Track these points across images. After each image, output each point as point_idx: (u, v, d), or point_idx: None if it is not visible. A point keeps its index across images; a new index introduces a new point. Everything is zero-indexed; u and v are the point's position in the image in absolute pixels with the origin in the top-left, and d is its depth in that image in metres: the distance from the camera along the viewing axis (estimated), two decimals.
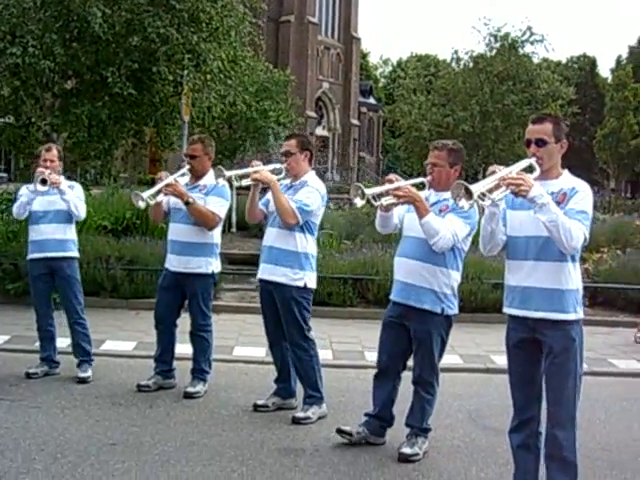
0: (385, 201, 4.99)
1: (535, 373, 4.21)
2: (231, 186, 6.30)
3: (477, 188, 3.92)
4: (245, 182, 5.92)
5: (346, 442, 5.41)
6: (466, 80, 31.22)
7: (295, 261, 5.89)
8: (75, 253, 7.08)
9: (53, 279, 7.04)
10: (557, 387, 4.09)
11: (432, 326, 5.19)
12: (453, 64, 33.57)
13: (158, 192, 6.33)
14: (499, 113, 29.73)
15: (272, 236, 5.98)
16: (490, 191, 4.00)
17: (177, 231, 6.55)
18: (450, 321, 5.29)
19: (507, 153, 28.93)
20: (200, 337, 6.65)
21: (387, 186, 5.02)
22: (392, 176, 5.15)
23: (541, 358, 4.15)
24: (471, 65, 31.91)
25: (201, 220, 6.39)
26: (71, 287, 7.04)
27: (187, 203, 6.31)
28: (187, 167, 6.56)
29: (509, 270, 4.28)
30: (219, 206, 6.46)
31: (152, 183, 6.69)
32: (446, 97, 32.26)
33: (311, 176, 6.09)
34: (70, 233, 7.03)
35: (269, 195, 6.03)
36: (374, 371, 5.58)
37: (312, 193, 5.90)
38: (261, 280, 6.10)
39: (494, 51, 31.03)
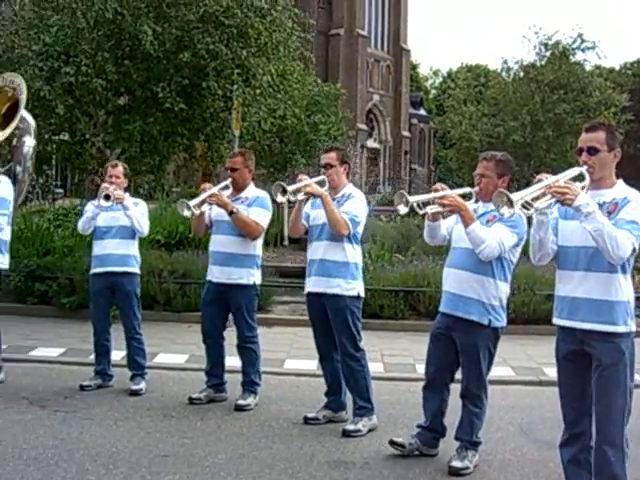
0: (430, 209, 5.00)
1: (585, 386, 4.14)
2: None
3: (520, 196, 3.91)
4: (300, 196, 5.94)
5: (397, 454, 5.39)
6: (516, 90, 30.91)
7: (347, 271, 5.94)
8: (136, 269, 7.18)
9: (113, 294, 7.15)
10: (606, 401, 4.01)
11: (479, 338, 5.15)
12: (503, 74, 33.28)
13: (202, 202, 6.41)
14: (550, 122, 29.35)
15: (321, 249, 6.00)
16: (534, 200, 3.97)
17: (220, 242, 6.62)
18: (497, 333, 5.24)
19: (559, 162, 28.47)
20: (247, 349, 6.69)
21: (432, 194, 5.03)
22: (438, 185, 5.16)
23: (591, 371, 4.08)
24: (521, 74, 31.59)
25: (245, 230, 6.47)
26: (130, 303, 7.14)
27: (231, 213, 6.39)
28: (229, 180, 6.64)
29: (559, 280, 4.23)
30: (262, 216, 6.55)
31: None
32: (496, 107, 31.97)
33: (352, 188, 6.16)
34: (132, 249, 7.14)
35: (308, 209, 6.10)
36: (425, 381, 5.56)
37: (359, 204, 5.99)
38: (311, 293, 6.12)
39: (544, 60, 30.68)
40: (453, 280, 5.24)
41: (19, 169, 7.42)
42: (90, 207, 7.21)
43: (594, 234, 3.85)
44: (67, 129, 14.19)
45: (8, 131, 7.09)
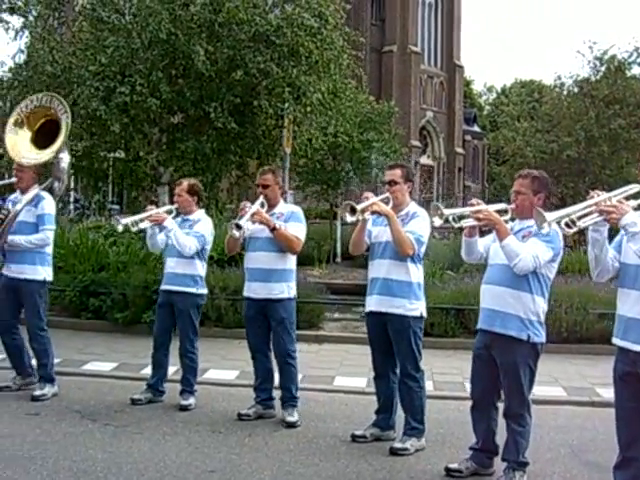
0: (465, 223, 5.00)
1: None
2: (335, 217, 6.41)
3: (565, 213, 3.89)
4: (367, 215, 5.86)
5: (443, 474, 5.36)
6: (570, 105, 30.56)
7: (410, 291, 5.91)
8: (192, 289, 7.15)
9: (173, 310, 7.23)
10: None
11: (518, 354, 5.11)
12: (557, 89, 32.95)
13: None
14: (605, 138, 28.93)
15: (384, 268, 5.97)
16: (580, 218, 3.94)
17: (258, 259, 6.65)
18: (537, 350, 5.18)
19: (615, 179, 28.08)
20: (288, 365, 6.69)
21: (468, 208, 5.03)
22: (474, 200, 5.18)
23: None
24: (575, 90, 31.24)
25: (286, 244, 6.54)
26: (184, 321, 7.19)
27: (274, 229, 6.45)
28: (262, 197, 6.68)
29: (619, 298, 4.17)
30: (300, 230, 6.64)
31: None
32: (550, 123, 31.63)
33: (416, 207, 6.10)
34: (192, 268, 7.15)
35: (370, 226, 6.07)
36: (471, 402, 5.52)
37: (423, 223, 5.91)
38: (372, 313, 6.09)
39: (599, 74, 30.30)
40: (490, 296, 5.22)
41: (57, 184, 7.60)
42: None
43: (639, 254, 3.79)
44: (122, 147, 14.47)
45: (55, 148, 7.27)
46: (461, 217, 5.06)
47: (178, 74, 13.33)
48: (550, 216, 3.98)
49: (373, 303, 6.05)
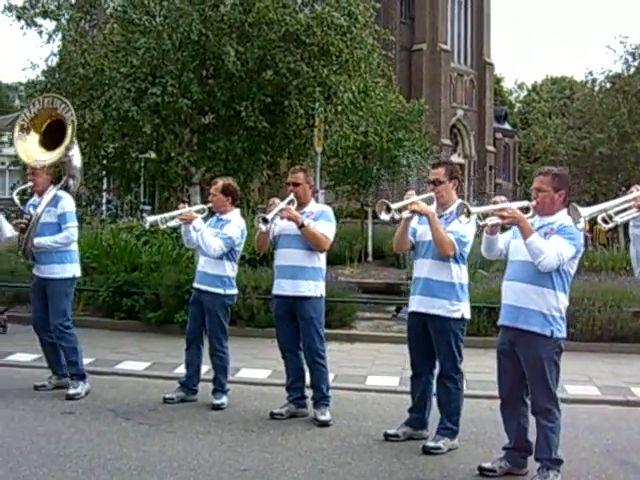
0: (490, 221, 4.99)
1: None
2: (366, 216, 6.42)
3: (601, 208, 3.85)
4: (405, 214, 5.82)
5: (476, 474, 5.34)
6: (602, 101, 30.27)
7: (452, 292, 5.87)
8: (219, 290, 7.17)
9: (203, 310, 7.28)
10: None
11: (542, 350, 5.09)
12: (588, 85, 32.67)
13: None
14: (638, 134, 28.64)
15: (426, 267, 5.95)
16: (617, 213, 3.90)
17: (287, 256, 6.66)
18: (560, 345, 5.17)
19: None
20: (318, 365, 6.69)
21: (492, 206, 5.02)
22: (498, 198, 5.18)
23: None
24: (607, 85, 30.94)
25: (314, 242, 6.53)
26: (212, 321, 7.21)
27: (302, 226, 6.46)
28: (292, 195, 6.69)
29: None
30: (329, 229, 6.63)
31: None
32: (582, 119, 31.35)
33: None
34: (220, 269, 7.17)
35: (415, 224, 6.02)
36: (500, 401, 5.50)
37: (467, 224, 5.69)
38: (414, 312, 6.06)
39: (632, 70, 29.97)
40: (513, 292, 5.21)
41: (72, 182, 7.71)
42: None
43: None
44: (153, 148, 14.54)
45: (63, 148, 7.36)
46: (485, 215, 5.05)
47: (209, 74, 13.37)
48: (585, 211, 3.95)
49: (415, 303, 6.03)
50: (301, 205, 6.71)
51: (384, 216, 5.79)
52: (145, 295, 11.28)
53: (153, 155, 15.12)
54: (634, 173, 28.96)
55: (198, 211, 7.41)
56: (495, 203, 5.08)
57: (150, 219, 7.52)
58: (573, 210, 4.03)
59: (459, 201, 5.91)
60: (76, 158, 7.75)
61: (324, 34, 12.87)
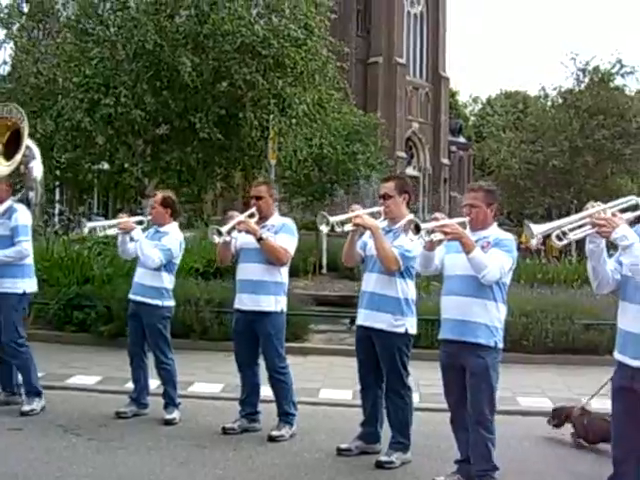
0: (435, 237, 5.03)
1: (635, 425, 4.01)
2: (313, 229, 6.40)
3: (555, 225, 3.87)
4: (347, 227, 5.85)
5: None
6: (555, 116, 30.75)
7: (396, 307, 5.85)
8: (157, 301, 7.09)
9: (142, 321, 7.18)
10: None
11: (489, 360, 5.15)
12: (541, 100, 33.19)
13: (232, 229, 6.43)
14: (590, 148, 29.13)
15: (372, 281, 5.95)
16: (572, 230, 3.92)
17: (246, 270, 6.60)
18: (500, 355, 5.25)
19: (600, 189, 28.25)
20: (278, 381, 6.63)
21: (434, 223, 5.04)
22: (438, 214, 5.22)
23: None
24: (560, 101, 31.44)
25: (273, 256, 6.45)
26: (153, 333, 7.11)
27: (260, 239, 6.38)
28: (254, 208, 6.63)
29: (619, 311, 4.13)
30: (289, 242, 6.55)
31: None
32: (535, 134, 31.81)
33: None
34: (157, 281, 7.09)
35: (366, 238, 6.01)
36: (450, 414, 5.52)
37: (412, 239, 5.74)
38: (360, 326, 6.06)
39: (583, 85, 30.52)
40: (456, 306, 5.23)
41: (31, 194, 7.54)
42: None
43: (631, 268, 3.77)
44: (106, 159, 14.42)
45: (18, 158, 7.20)
46: (430, 231, 5.07)
47: (163, 85, 13.30)
48: (538, 229, 3.97)
49: (361, 317, 6.03)
50: (263, 218, 6.63)
51: (324, 229, 5.83)
52: (97, 308, 11.11)
53: (106, 166, 14.99)
54: (585, 187, 29.45)
55: (137, 222, 7.30)
56: (436, 219, 5.13)
57: (89, 225, 7.43)
58: (527, 228, 4.05)
59: (410, 216, 5.94)
60: (36, 169, 7.58)
61: (280, 46, 12.88)
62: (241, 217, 6.46)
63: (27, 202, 7.40)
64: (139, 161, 13.71)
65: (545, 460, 6.18)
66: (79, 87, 12.79)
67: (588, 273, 4.21)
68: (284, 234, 6.55)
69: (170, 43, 12.75)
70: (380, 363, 5.96)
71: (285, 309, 6.69)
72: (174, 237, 7.19)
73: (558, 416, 6.81)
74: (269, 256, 6.46)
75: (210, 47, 12.97)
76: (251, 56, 12.98)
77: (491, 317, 5.16)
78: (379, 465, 5.77)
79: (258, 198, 6.64)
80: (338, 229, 5.86)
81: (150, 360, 7.26)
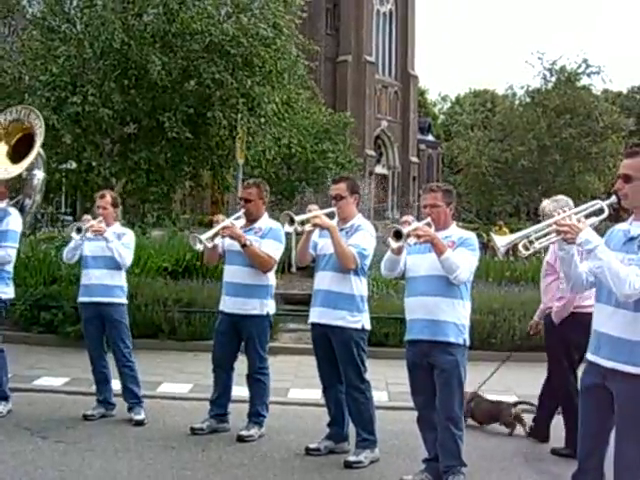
0: (410, 241, 5.07)
1: (604, 421, 4.05)
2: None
3: (519, 236, 3.92)
4: (308, 227, 5.91)
5: None
6: (522, 115, 30.99)
7: (352, 304, 5.91)
8: (122, 299, 7.15)
9: (102, 322, 7.13)
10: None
11: (458, 357, 5.25)
12: (509, 99, 33.46)
13: (216, 235, 6.39)
14: (557, 147, 29.40)
15: (327, 280, 5.98)
16: (539, 238, 3.97)
17: (232, 273, 6.57)
18: (467, 352, 5.35)
19: (568, 187, 28.53)
20: (257, 380, 6.63)
21: (408, 228, 5.09)
22: (408, 218, 5.30)
23: (611, 407, 3.99)
24: (527, 100, 31.69)
25: (257, 262, 6.42)
26: (118, 332, 7.11)
27: (244, 245, 6.34)
28: (242, 211, 6.61)
29: (594, 312, 4.16)
30: (274, 249, 6.49)
31: (211, 224, 6.77)
32: (503, 132, 32.05)
33: (361, 219, 6.12)
34: (118, 279, 7.11)
35: (316, 238, 6.07)
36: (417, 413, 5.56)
37: (367, 236, 5.95)
38: (316, 324, 6.09)
39: (550, 85, 30.77)
40: (423, 306, 5.29)
41: (28, 202, 7.42)
42: (75, 235, 7.23)
43: (595, 271, 3.81)
44: (74, 158, 14.31)
45: (25, 164, 7.08)
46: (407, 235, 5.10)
47: (131, 84, 13.24)
48: (502, 241, 4.02)
49: (316, 315, 6.06)
50: (251, 221, 6.58)
51: (287, 228, 5.89)
52: (64, 309, 10.99)
53: (74, 165, 14.86)
54: (554, 185, 29.70)
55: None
56: (407, 223, 5.19)
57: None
58: (492, 240, 4.09)
59: (359, 218, 6.08)
60: (38, 178, 7.47)
61: (250, 45, 12.87)
62: (227, 222, 6.39)
63: (21, 208, 7.27)
64: (107, 160, 13.64)
65: (511, 457, 6.23)
66: (46, 85, 12.70)
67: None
68: (270, 240, 6.49)
69: (138, 42, 12.69)
70: (338, 360, 5.99)
71: (272, 311, 6.64)
72: (131, 236, 7.23)
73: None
74: (252, 262, 6.42)
75: (178, 46, 12.94)
76: (220, 55, 12.97)
77: (459, 315, 5.26)
78: (348, 465, 5.79)
79: (247, 201, 6.58)
80: (299, 228, 5.91)
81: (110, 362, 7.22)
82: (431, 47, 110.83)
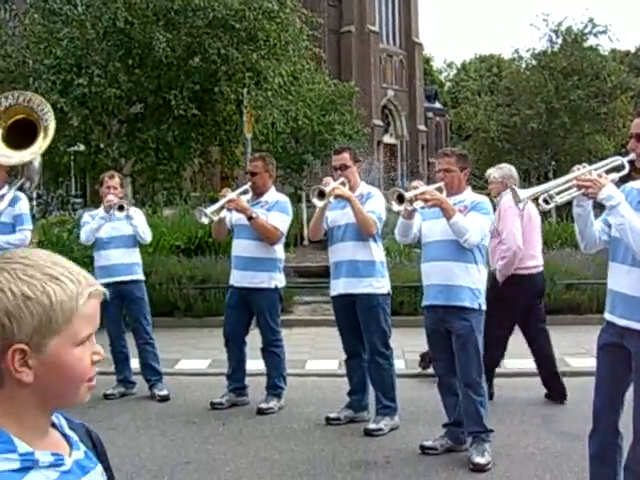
0: (417, 205, 5.07)
1: (620, 380, 4.05)
2: (299, 200, 6.38)
3: (544, 189, 3.89)
4: (331, 199, 5.87)
5: (418, 452, 5.39)
6: (529, 78, 30.74)
7: (376, 270, 5.97)
8: (141, 276, 7.29)
9: (122, 302, 7.19)
10: None
11: (474, 323, 5.23)
12: (515, 63, 33.17)
13: (221, 208, 6.43)
14: (565, 109, 29.15)
15: (349, 250, 5.99)
16: (559, 193, 3.94)
17: (241, 247, 6.61)
18: (483, 317, 5.32)
19: (578, 149, 28.37)
20: (271, 352, 6.69)
21: (414, 192, 5.08)
22: (416, 182, 5.29)
23: (629, 366, 3.99)
24: (534, 62, 31.42)
25: (264, 235, 6.44)
26: (140, 309, 7.22)
27: (250, 218, 6.37)
28: (249, 184, 6.64)
29: (609, 272, 4.14)
30: (281, 221, 6.52)
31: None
32: (511, 97, 31.82)
33: (367, 186, 6.17)
34: (135, 257, 7.25)
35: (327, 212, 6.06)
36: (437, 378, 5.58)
37: (380, 202, 6.01)
38: (340, 295, 6.10)
39: (556, 47, 30.49)
40: (438, 272, 5.29)
41: (27, 185, 7.43)
42: (88, 218, 7.27)
43: (617, 228, 3.78)
44: (82, 140, 14.32)
45: (25, 155, 7.06)
46: (412, 200, 5.11)
47: (135, 63, 13.21)
48: (524, 193, 3.99)
49: (341, 286, 6.07)
50: (258, 195, 6.60)
51: (318, 203, 5.88)
52: None
53: (82, 147, 14.88)
54: (563, 147, 29.51)
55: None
56: (415, 188, 5.18)
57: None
58: (513, 193, 4.06)
59: (364, 185, 6.12)
60: (37, 160, 7.46)
61: (254, 18, 12.81)
62: (232, 195, 6.40)
63: (22, 190, 7.31)
64: (115, 141, 13.65)
65: (530, 420, 6.25)
66: (50, 69, 12.69)
67: (575, 234, 4.23)
68: (276, 212, 6.53)
69: (141, 20, 12.63)
70: (362, 328, 6.01)
71: (281, 285, 6.68)
72: (141, 213, 7.35)
73: (424, 359, 7.30)
74: (260, 234, 6.44)
75: (182, 22, 12.88)
76: (224, 30, 12.92)
77: (473, 280, 5.23)
78: (368, 433, 5.83)
79: (253, 174, 6.60)
80: (327, 201, 5.87)
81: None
82: (435, 14, 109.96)
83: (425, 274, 5.45)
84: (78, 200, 25.60)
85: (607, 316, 4.09)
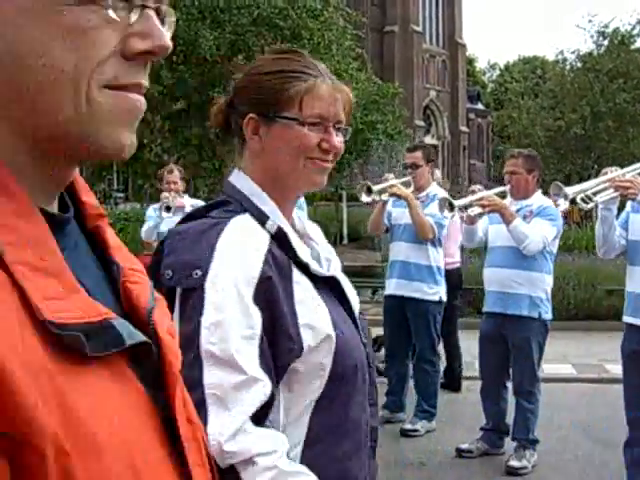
0: (472, 212, 5.01)
1: None
2: (340, 199, 6.28)
3: (580, 189, 3.89)
4: (384, 197, 5.76)
5: (453, 455, 5.38)
6: (574, 81, 30.38)
7: (430, 275, 5.84)
8: None
9: None
10: None
11: (531, 332, 5.15)
12: (560, 65, 32.80)
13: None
14: (611, 113, 28.75)
15: (403, 250, 5.89)
16: (596, 193, 3.93)
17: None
18: (547, 326, 5.22)
19: (622, 153, 27.98)
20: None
21: (471, 197, 5.05)
22: (475, 187, 5.22)
23: None
24: (578, 65, 31.04)
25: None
26: None
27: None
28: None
29: (628, 275, 4.13)
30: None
31: None
32: (555, 100, 31.47)
33: (437, 188, 6.03)
34: None
35: (389, 207, 5.96)
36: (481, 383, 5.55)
37: (452, 217, 5.71)
38: (392, 296, 6.04)
39: (602, 48, 30.06)
40: (498, 279, 5.22)
41: None
42: (152, 213, 7.18)
43: None
44: None
45: None
46: (467, 207, 5.07)
47: (179, 60, 13.33)
48: (569, 190, 3.99)
49: (392, 287, 6.01)
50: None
51: (364, 198, 5.76)
52: None
53: None
54: (607, 152, 29.15)
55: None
56: (473, 193, 5.12)
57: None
58: (557, 188, 4.06)
59: (434, 186, 5.96)
60: None
61: (297, 17, 12.86)
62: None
63: None
64: (158, 137, 13.78)
65: (567, 427, 6.20)
66: None
67: (596, 238, 4.23)
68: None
69: (185, 17, 12.74)
70: (412, 332, 5.98)
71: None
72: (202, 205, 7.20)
73: (376, 342, 7.25)
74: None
75: (227, 20, 12.96)
76: (268, 28, 12.98)
77: (535, 288, 5.11)
78: (404, 433, 5.83)
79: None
80: (377, 198, 5.76)
81: None
82: (479, 14, 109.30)
83: (486, 279, 5.38)
84: (120, 195, 25.89)
85: (628, 319, 4.06)
